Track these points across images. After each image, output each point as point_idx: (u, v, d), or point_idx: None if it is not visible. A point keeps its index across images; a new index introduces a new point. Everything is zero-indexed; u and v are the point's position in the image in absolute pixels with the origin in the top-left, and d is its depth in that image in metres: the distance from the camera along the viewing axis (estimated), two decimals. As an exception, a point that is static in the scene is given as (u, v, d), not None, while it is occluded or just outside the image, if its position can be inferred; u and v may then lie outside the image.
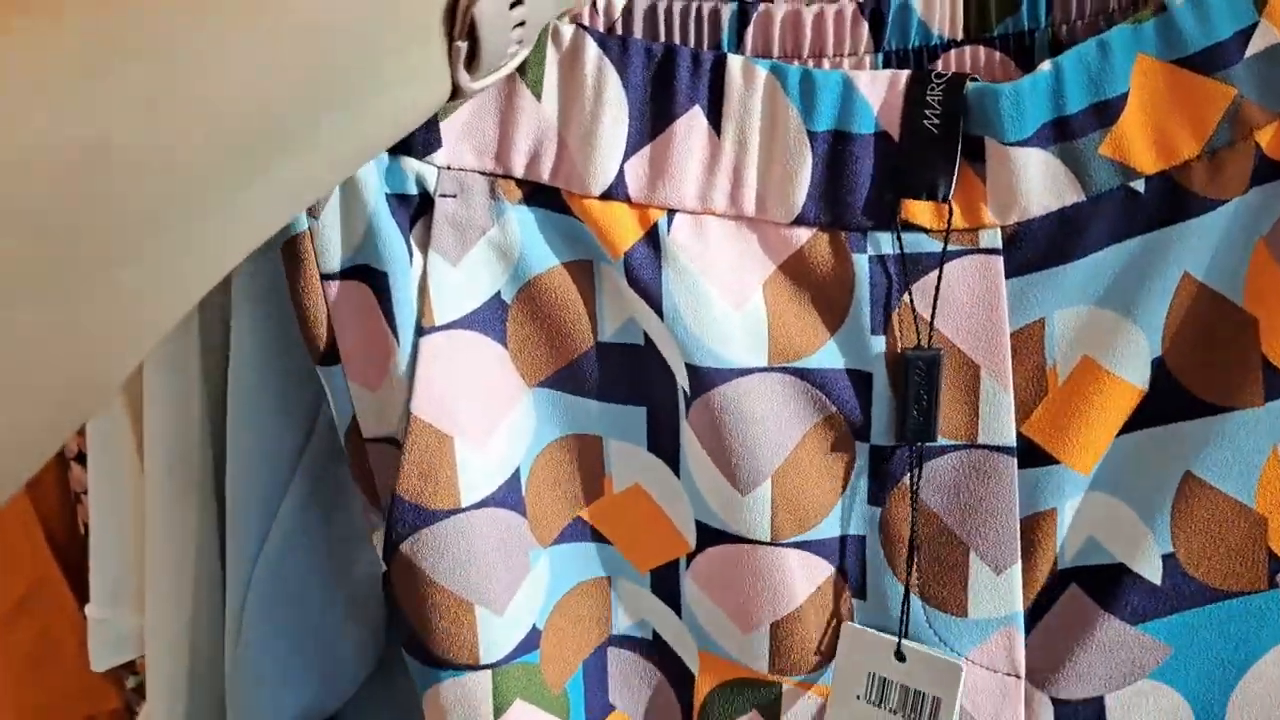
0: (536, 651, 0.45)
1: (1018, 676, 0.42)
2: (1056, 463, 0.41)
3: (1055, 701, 0.42)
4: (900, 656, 0.42)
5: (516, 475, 0.43)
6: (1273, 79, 0.39)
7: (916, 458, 0.41)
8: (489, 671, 0.43)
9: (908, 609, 0.42)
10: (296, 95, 0.29)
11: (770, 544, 0.41)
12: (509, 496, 0.43)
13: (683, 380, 0.41)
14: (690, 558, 0.44)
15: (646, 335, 0.43)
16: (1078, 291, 0.40)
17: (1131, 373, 0.40)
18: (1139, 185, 0.40)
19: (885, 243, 0.41)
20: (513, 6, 0.34)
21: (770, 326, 0.41)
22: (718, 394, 0.40)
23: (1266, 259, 0.40)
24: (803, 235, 0.41)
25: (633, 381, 0.43)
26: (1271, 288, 0.40)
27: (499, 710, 0.44)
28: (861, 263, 0.41)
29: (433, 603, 0.42)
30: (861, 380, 0.41)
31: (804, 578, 0.42)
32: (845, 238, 0.41)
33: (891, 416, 0.41)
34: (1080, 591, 0.42)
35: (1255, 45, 0.39)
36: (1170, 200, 0.40)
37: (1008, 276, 0.40)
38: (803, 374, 0.41)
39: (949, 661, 0.42)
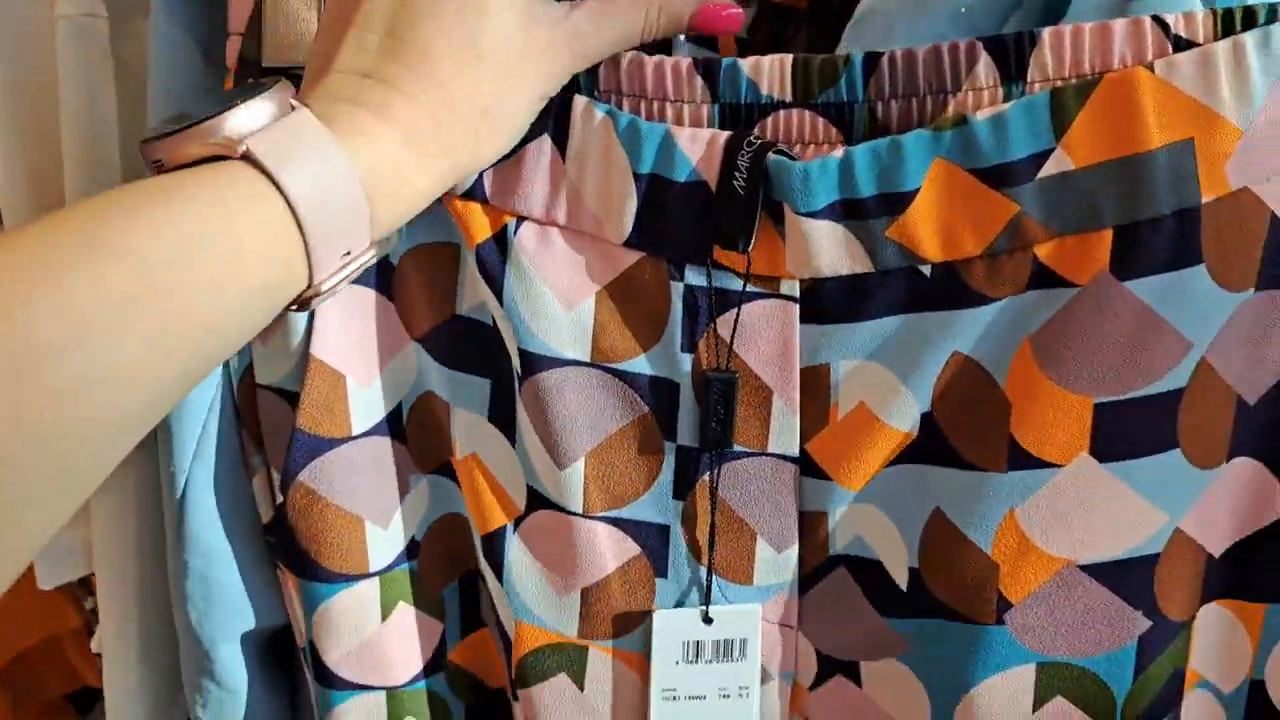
0: (415, 560, 0.54)
1: (790, 627, 0.50)
2: (830, 479, 0.47)
3: (819, 654, 0.50)
4: (707, 620, 0.50)
5: (399, 410, 0.52)
6: (1058, 203, 0.40)
7: (717, 460, 0.48)
8: (376, 578, 0.52)
9: (710, 585, 0.49)
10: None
11: (583, 515, 0.49)
12: (393, 427, 0.51)
13: (516, 363, 0.48)
14: (519, 521, 0.51)
15: (492, 314, 0.49)
16: (862, 348, 0.44)
17: (901, 421, 0.45)
18: (925, 269, 0.42)
19: (699, 276, 0.45)
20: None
21: (595, 330, 0.47)
22: (543, 378, 0.47)
23: (1029, 355, 0.43)
24: (631, 257, 0.46)
25: (481, 355, 0.50)
26: (1028, 381, 0.43)
27: (385, 611, 0.53)
28: (677, 290, 0.46)
29: (329, 523, 0.50)
30: (670, 389, 0.47)
31: (613, 551, 0.49)
32: (666, 266, 0.46)
33: (695, 424, 0.47)
34: (846, 573, 0.49)
35: (1047, 169, 0.40)
36: (951, 288, 0.43)
37: (804, 321, 0.45)
38: (619, 374, 0.47)
39: (748, 608, 0.49)
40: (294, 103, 0.39)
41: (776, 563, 0.49)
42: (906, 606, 0.48)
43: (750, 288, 0.45)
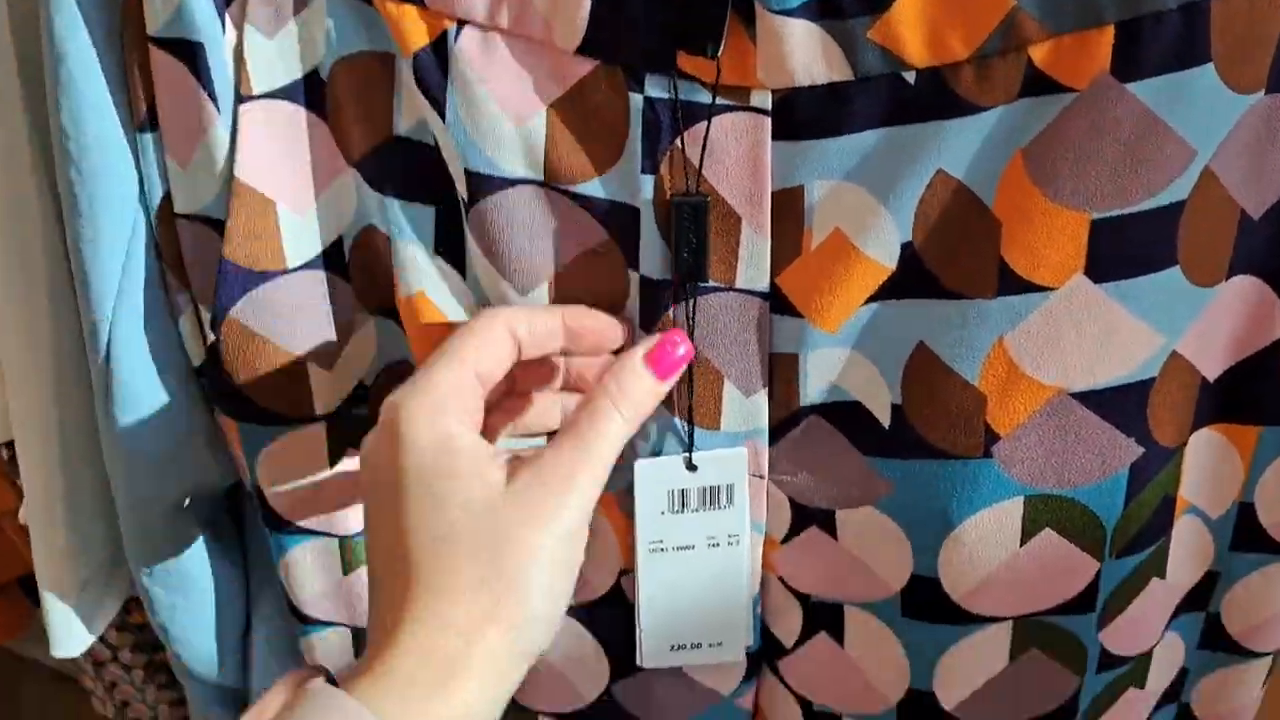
0: (365, 405, 0.51)
1: (761, 477, 0.48)
2: (802, 317, 0.43)
3: (793, 505, 0.48)
4: (691, 467, 0.47)
5: (339, 243, 0.48)
6: None
7: (691, 293, 0.44)
8: (322, 423, 0.49)
9: (693, 430, 0.46)
10: None
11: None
12: (333, 262, 0.47)
13: (461, 188, 0.44)
14: None
15: (434, 134, 0.44)
16: (838, 166, 0.41)
17: (879, 252, 0.41)
18: (909, 76, 0.39)
19: (661, 87, 0.41)
20: None
21: (548, 148, 0.43)
22: (492, 201, 0.43)
23: (1021, 170, 0.39)
24: (585, 66, 0.41)
25: (424, 181, 0.45)
26: (1019, 198, 0.39)
27: (334, 457, 0.50)
28: (637, 102, 0.41)
29: (267, 363, 0.47)
30: (630, 215, 0.43)
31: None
32: (623, 76, 0.41)
33: (660, 254, 0.43)
34: (821, 420, 0.46)
35: (1045, -41, 0.36)
36: (937, 96, 0.39)
37: (775, 138, 0.41)
38: (575, 197, 0.43)
39: (734, 453, 0.47)
40: None
41: (745, 408, 0.46)
42: (890, 445, 0.45)
43: (719, 100, 0.40)
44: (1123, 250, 0.40)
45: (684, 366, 0.43)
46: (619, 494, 0.48)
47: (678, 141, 0.41)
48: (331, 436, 0.50)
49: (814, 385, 0.45)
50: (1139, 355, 0.41)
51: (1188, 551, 0.49)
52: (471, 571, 0.37)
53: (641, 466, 0.47)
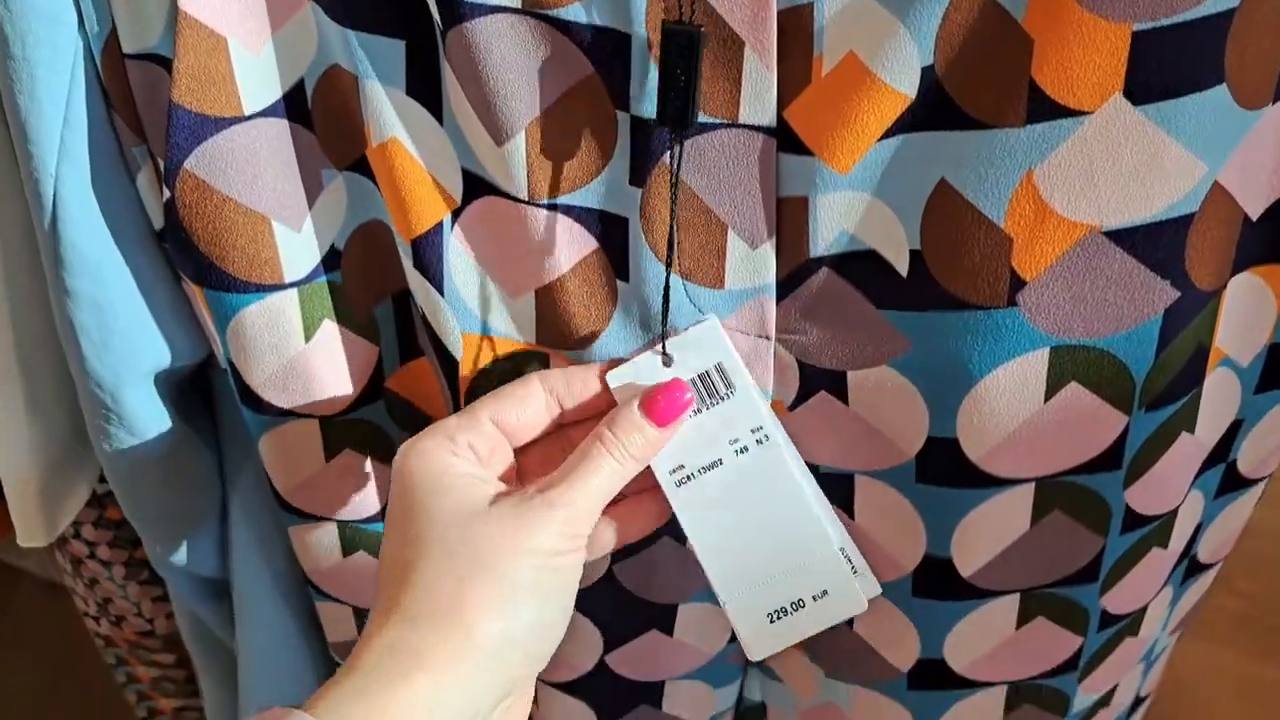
0: (338, 272, 0.47)
1: (767, 338, 0.44)
2: (813, 155, 0.40)
3: (801, 366, 0.45)
4: (667, 361, 0.43)
5: (301, 87, 0.43)
6: None
7: (677, 138, 0.40)
8: (294, 290, 0.45)
9: (667, 306, 0.42)
10: None
11: (529, 203, 0.42)
12: (295, 109, 0.43)
13: (435, 13, 0.39)
14: (456, 215, 0.44)
15: None
16: None
17: (897, 77, 0.38)
18: None
19: None
20: None
21: None
22: (469, 29, 0.39)
23: (1057, -23, 0.35)
24: None
25: (391, 10, 0.41)
26: (1053, 9, 0.35)
27: (309, 330, 0.46)
28: None
29: (228, 221, 0.43)
30: (619, 44, 0.39)
31: (566, 245, 0.43)
32: None
33: (653, 89, 0.40)
34: (832, 272, 0.43)
35: None
36: (963, -104, 0.34)
37: None
38: (556, 24, 0.39)
39: (703, 326, 0.43)
40: None
41: (751, 261, 0.42)
42: (907, 297, 0.42)
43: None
44: (1166, 66, 0.36)
45: (687, 413, 0.43)
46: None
47: None
48: (304, 306, 0.46)
49: (825, 233, 0.41)
50: (1179, 186, 0.38)
51: (1218, 405, 0.47)
52: (445, 572, 0.39)
53: (615, 378, 0.44)
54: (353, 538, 0.54)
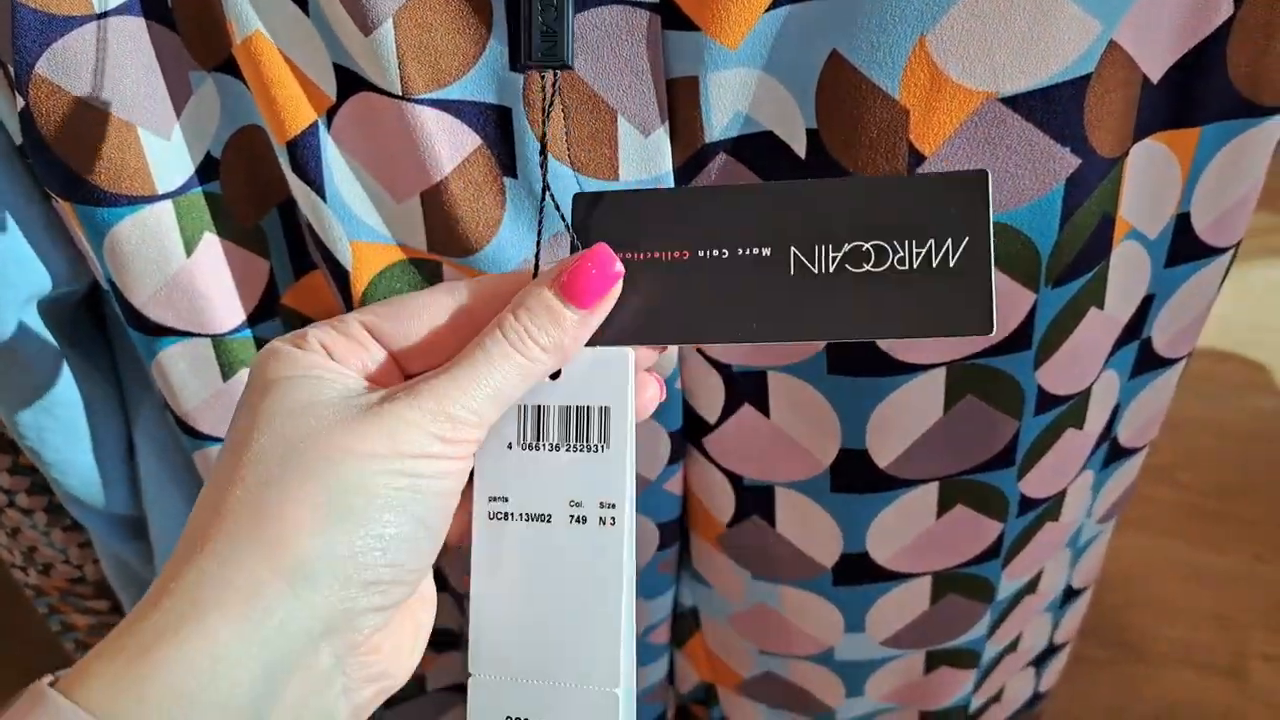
0: (217, 181, 0.44)
1: None
2: (699, 30, 0.38)
3: None
4: (554, 375, 0.34)
5: None
6: None
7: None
8: (168, 202, 0.43)
9: (541, 226, 0.35)
10: None
11: (404, 98, 0.39)
12: (153, 6, 0.40)
13: None
14: (331, 116, 0.41)
15: None
16: None
17: None
18: None
19: None
20: None
21: None
22: None
23: None
24: None
25: None
26: None
27: (189, 244, 0.44)
28: None
29: (89, 128, 0.40)
30: None
31: (447, 144, 0.40)
32: None
33: None
34: (729, 158, 0.41)
35: None
36: None
37: None
38: None
39: (614, 353, 0.33)
40: None
41: (645, 148, 0.41)
42: (808, 176, 0.40)
43: None
44: None
45: (616, 289, 0.33)
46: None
47: None
48: (181, 218, 0.44)
49: (719, 115, 0.40)
50: (1074, 47, 0.37)
51: (1127, 279, 0.46)
52: (263, 482, 0.29)
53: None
54: None
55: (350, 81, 0.40)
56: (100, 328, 0.54)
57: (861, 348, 0.44)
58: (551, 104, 0.39)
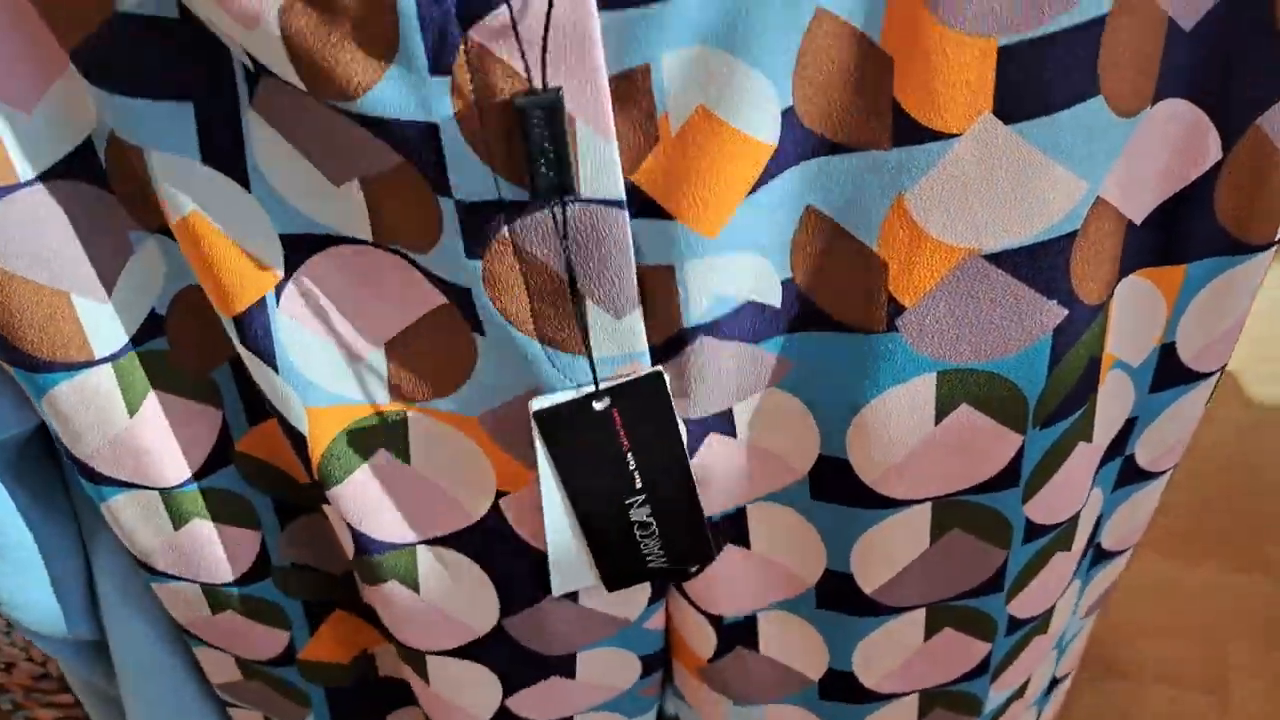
0: (163, 337, 0.42)
1: None
2: (673, 219, 0.36)
3: (687, 422, 0.41)
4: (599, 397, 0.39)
5: (90, 147, 0.38)
6: None
7: (561, 211, 0.35)
8: (108, 365, 0.41)
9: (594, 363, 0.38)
10: None
11: (374, 245, 0.37)
12: (87, 168, 0.38)
13: (245, 58, 0.34)
14: (281, 288, 0.39)
15: (181, 3, 0.34)
16: (687, 29, 0.32)
17: (755, 126, 0.34)
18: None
19: None
20: None
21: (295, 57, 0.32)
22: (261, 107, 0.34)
23: (909, -7, 0.32)
24: None
25: (171, 69, 0.35)
26: (911, 27, 0.32)
27: (132, 405, 0.42)
28: None
29: (18, 301, 0.38)
30: (427, 135, 0.33)
31: (417, 295, 0.39)
32: None
33: (476, 170, 0.34)
34: (712, 339, 0.39)
35: None
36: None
37: (603, 7, 0.32)
38: (354, 117, 0.33)
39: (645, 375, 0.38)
40: None
41: (617, 330, 0.38)
42: (784, 323, 0.39)
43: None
44: (1037, 80, 0.33)
45: None
46: (483, 416, 0.41)
47: (472, 31, 0.32)
48: (124, 380, 0.42)
49: (698, 302, 0.37)
50: (1059, 206, 0.35)
51: (1112, 408, 0.45)
52: None
53: (537, 407, 0.39)
54: (218, 597, 0.50)
55: (304, 244, 0.38)
56: (53, 458, 0.52)
57: (843, 480, 0.43)
58: (527, 282, 0.37)
